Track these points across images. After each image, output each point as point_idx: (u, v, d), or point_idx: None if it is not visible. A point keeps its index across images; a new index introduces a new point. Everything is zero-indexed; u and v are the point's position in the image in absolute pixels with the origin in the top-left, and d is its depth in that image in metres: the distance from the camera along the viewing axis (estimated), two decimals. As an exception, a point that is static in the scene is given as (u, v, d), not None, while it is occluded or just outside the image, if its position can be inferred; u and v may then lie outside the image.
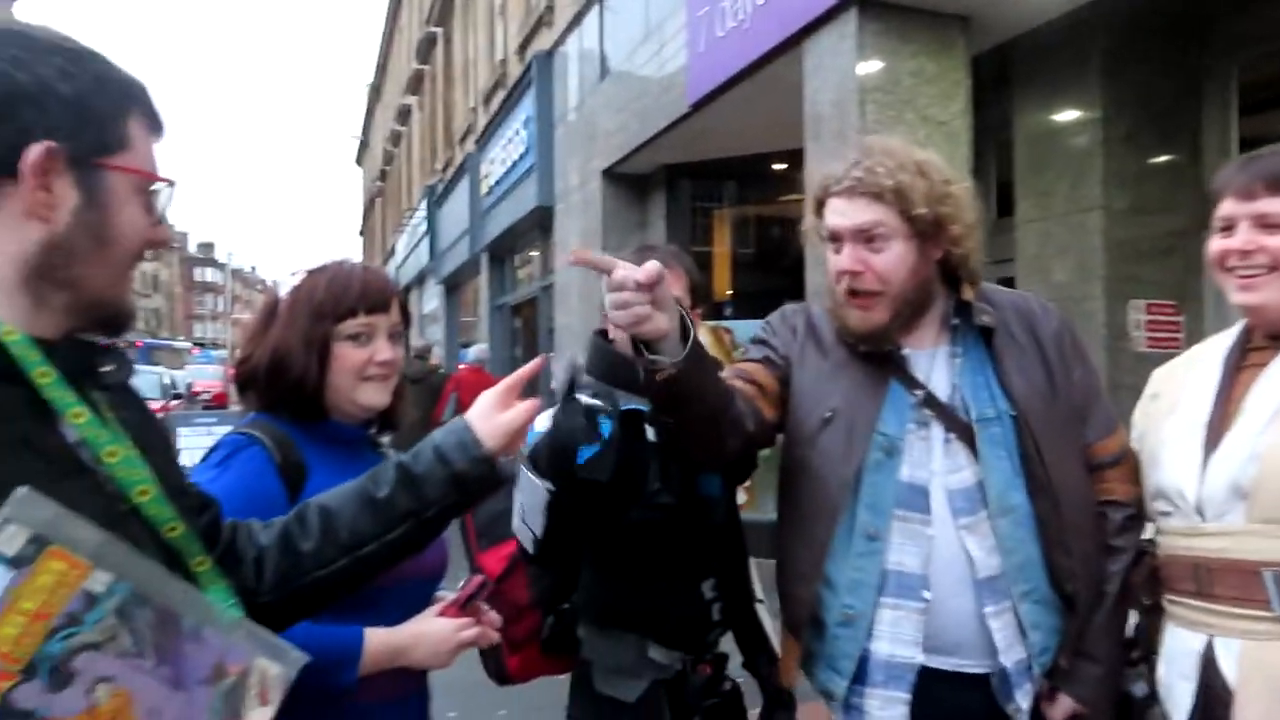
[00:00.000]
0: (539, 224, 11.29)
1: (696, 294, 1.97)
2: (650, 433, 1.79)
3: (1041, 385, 1.62)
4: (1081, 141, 4.80)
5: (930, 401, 1.60)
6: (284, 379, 1.51)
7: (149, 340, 47.33)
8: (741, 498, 2.23)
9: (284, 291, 1.61)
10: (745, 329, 7.47)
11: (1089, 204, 4.66)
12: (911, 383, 1.62)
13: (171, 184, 0.98)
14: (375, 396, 1.56)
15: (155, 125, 0.96)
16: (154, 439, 1.01)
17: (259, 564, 1.11)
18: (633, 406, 1.80)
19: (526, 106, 10.98)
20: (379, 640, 1.44)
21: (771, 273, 8.24)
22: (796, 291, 6.68)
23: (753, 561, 2.15)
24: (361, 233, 46.17)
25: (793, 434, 1.69)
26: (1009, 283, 5.34)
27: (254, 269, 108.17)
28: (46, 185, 0.87)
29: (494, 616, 1.57)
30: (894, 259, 1.57)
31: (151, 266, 75.54)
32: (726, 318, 7.82)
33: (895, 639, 1.57)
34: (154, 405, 14.85)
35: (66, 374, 0.88)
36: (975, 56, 4.84)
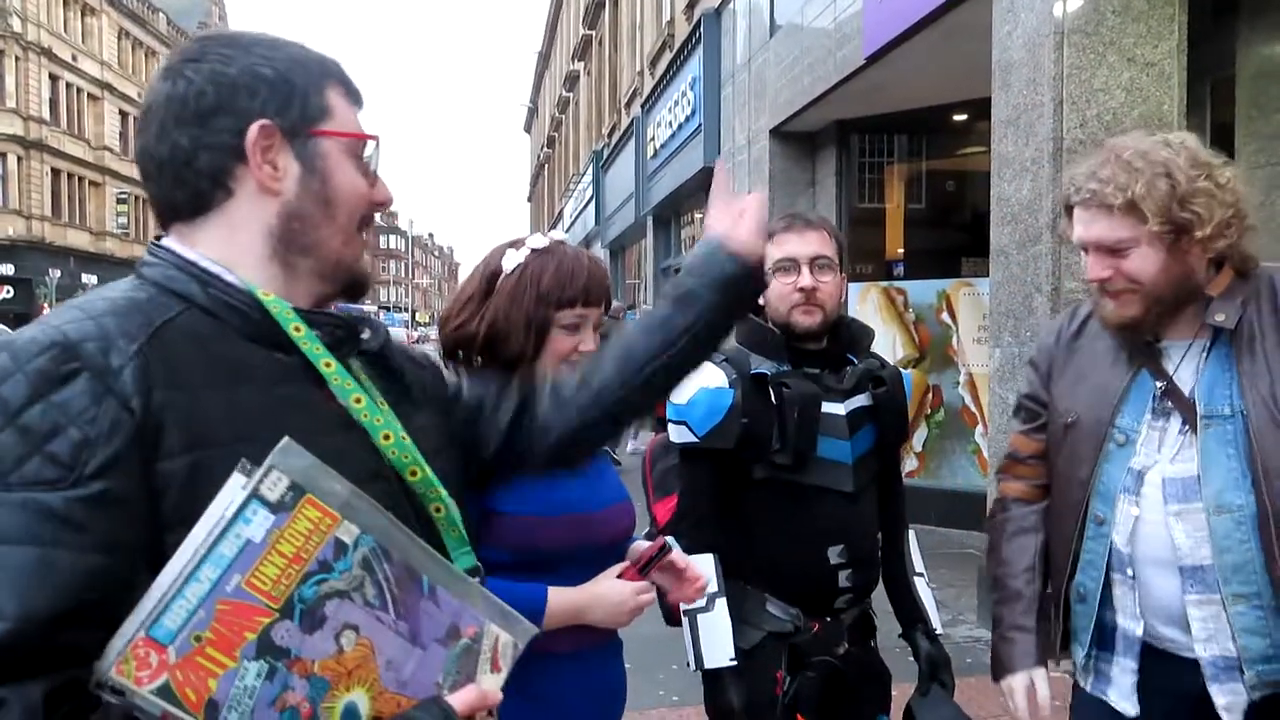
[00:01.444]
0: (705, 185, 11.13)
1: (842, 258, 2.07)
2: (772, 395, 1.96)
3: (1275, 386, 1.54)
4: (1318, 77, 4.28)
5: (1171, 393, 1.62)
6: (499, 351, 1.58)
7: (342, 305, 50.63)
8: (912, 464, 2.27)
9: (508, 264, 1.62)
10: (919, 290, 7.19)
11: (1325, 148, 4.15)
12: (1159, 373, 1.64)
13: (376, 140, 1.04)
14: None
15: (353, 95, 1.04)
16: (409, 392, 1.10)
17: (530, 432, 1.21)
18: (761, 370, 1.98)
19: (693, 67, 10.86)
20: (560, 599, 1.52)
21: (948, 230, 7.85)
22: (976, 249, 6.34)
23: (914, 533, 2.20)
24: (530, 199, 47.41)
25: (1049, 435, 1.79)
26: (1225, 238, 4.85)
27: (431, 236, 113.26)
28: (271, 161, 0.96)
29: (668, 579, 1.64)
30: (1139, 262, 1.58)
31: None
32: (898, 277, 7.53)
33: (1121, 611, 1.66)
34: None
35: (329, 345, 0.97)
36: (1192, -13, 4.38)
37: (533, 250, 1.63)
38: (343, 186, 1.00)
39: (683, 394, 1.96)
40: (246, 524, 0.74)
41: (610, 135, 18.79)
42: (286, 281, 0.98)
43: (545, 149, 35.83)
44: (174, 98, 0.95)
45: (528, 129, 46.45)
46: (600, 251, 20.70)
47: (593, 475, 1.67)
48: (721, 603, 1.92)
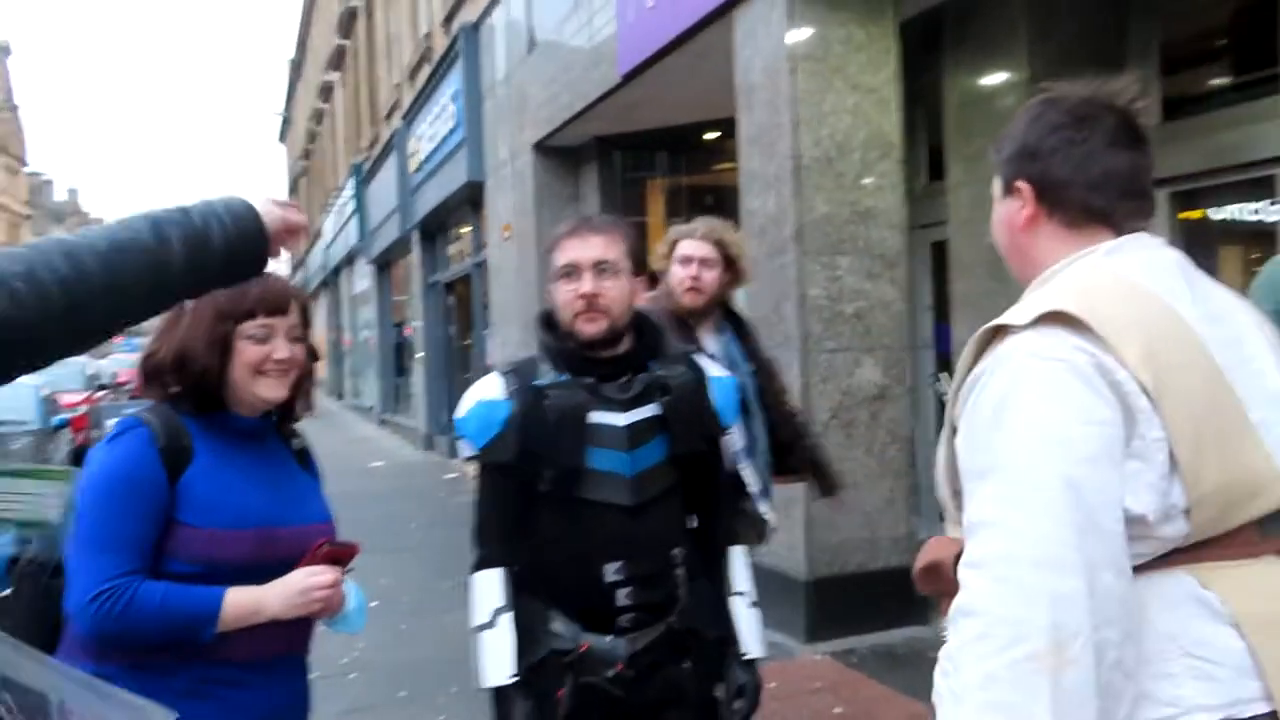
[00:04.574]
0: (470, 199, 11.11)
1: (639, 261, 1.99)
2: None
3: None
4: (1010, 104, 4.87)
5: None
6: (187, 372, 1.66)
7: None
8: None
9: None
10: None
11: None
12: None
13: None
14: (272, 390, 1.69)
15: None
16: None
17: None
18: (540, 382, 1.93)
19: (454, 80, 10.76)
20: (236, 596, 1.58)
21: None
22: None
23: (741, 551, 2.11)
24: (287, 213, 44.91)
25: None
26: (942, 246, 5.42)
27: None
28: None
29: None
30: None
31: (66, 254, 72.72)
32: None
33: None
34: (79, 397, 14.28)
35: None
36: (904, 23, 4.86)
37: None
38: None
39: (461, 407, 1.97)
40: None
41: (371, 148, 18.23)
42: None
43: (302, 161, 34.20)
44: None
45: (283, 139, 44.14)
46: (365, 267, 19.99)
47: (291, 492, 1.75)
48: (505, 619, 1.91)
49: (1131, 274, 1.23)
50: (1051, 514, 1.11)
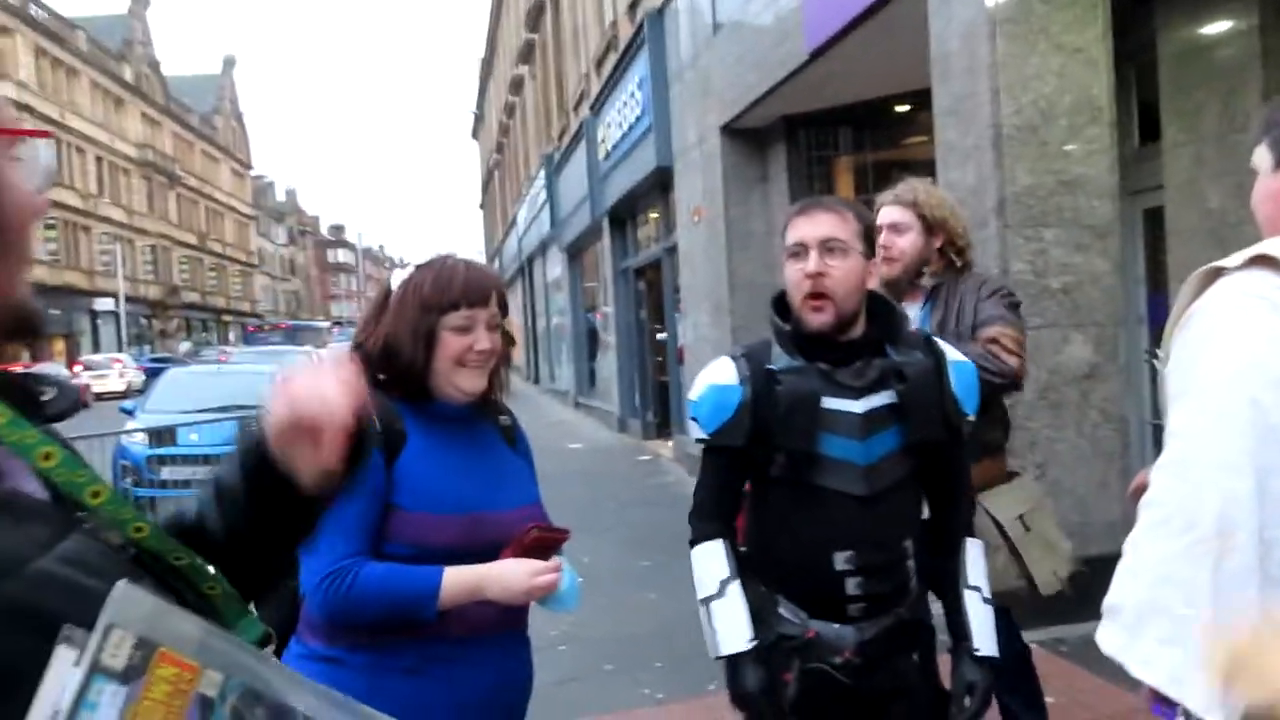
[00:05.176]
0: (659, 184, 11.29)
1: (872, 244, 1.93)
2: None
3: None
4: (1234, 56, 4.48)
5: None
6: (395, 363, 1.69)
7: (293, 322, 49.95)
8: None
9: (395, 283, 1.76)
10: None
11: (1245, 122, 4.35)
12: None
13: (48, 136, 0.82)
14: (471, 382, 1.71)
15: None
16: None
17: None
18: (772, 366, 1.89)
19: (640, 67, 10.94)
20: (456, 576, 1.62)
21: (898, 218, 8.02)
22: (927, 237, 6.51)
23: (976, 545, 2.02)
24: (482, 206, 47.17)
25: None
26: (1157, 213, 5.06)
27: (382, 248, 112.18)
28: None
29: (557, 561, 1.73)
30: None
31: (288, 251, 79.31)
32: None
33: None
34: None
35: (18, 409, 0.72)
36: (1113, -25, 4.56)
37: (416, 267, 1.77)
38: (13, 205, 0.75)
39: (694, 390, 1.99)
40: (93, 711, 0.57)
41: (560, 138, 18.80)
42: None
43: (495, 155, 35.69)
44: None
45: (475, 135, 46.21)
46: (557, 255, 20.68)
47: (500, 476, 1.79)
48: (734, 588, 1.91)
49: None
50: (1234, 425, 1.26)
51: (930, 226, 2.69)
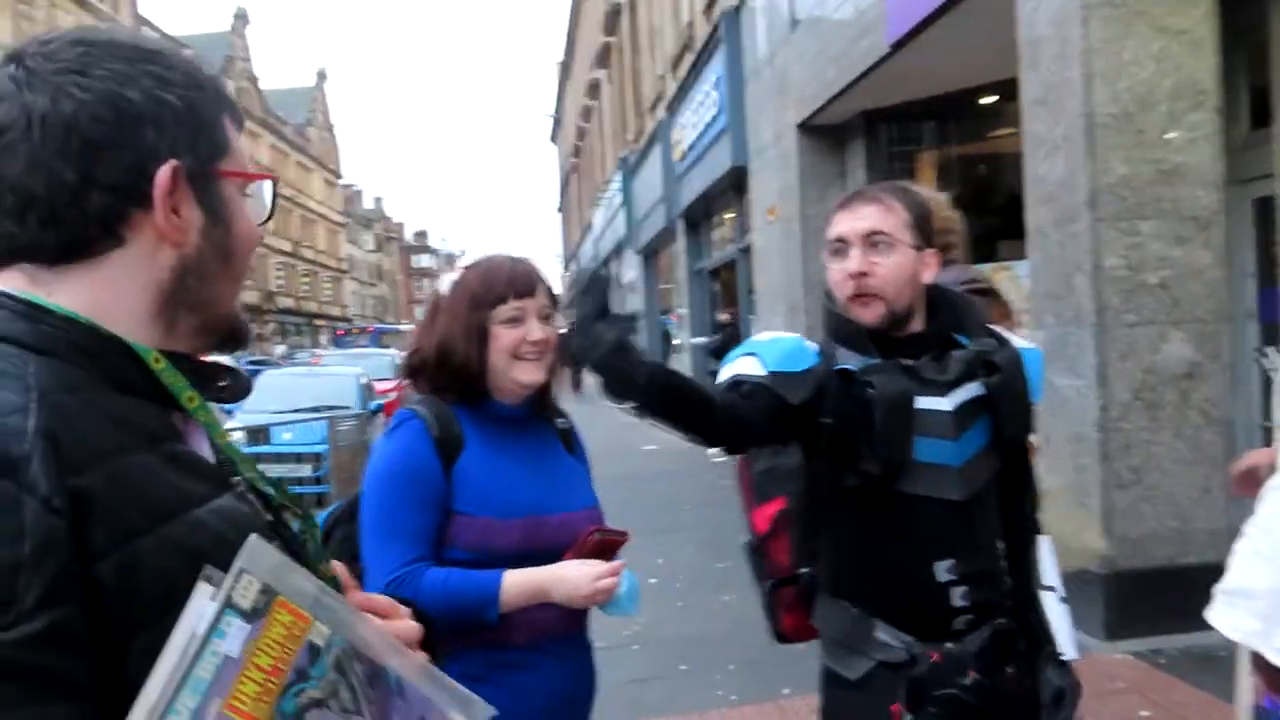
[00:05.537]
0: (734, 185, 11.20)
1: (926, 232, 1.77)
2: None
3: None
4: (1355, 35, 4.20)
5: None
6: (450, 364, 1.70)
7: (378, 325, 51.27)
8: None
9: (445, 287, 1.79)
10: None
11: (1366, 106, 4.07)
12: None
13: (275, 180, 0.94)
14: (529, 374, 1.71)
15: (238, 118, 0.91)
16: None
17: None
18: (846, 366, 1.72)
19: (716, 67, 10.88)
20: (517, 578, 1.62)
21: (982, 214, 7.77)
22: (1011, 231, 6.28)
23: (1047, 541, 1.89)
24: (560, 209, 47.63)
25: None
26: (1268, 203, 4.79)
27: (464, 252, 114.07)
28: (176, 207, 0.82)
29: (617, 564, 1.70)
30: None
31: (375, 257, 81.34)
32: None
33: None
34: (390, 384, 16.02)
35: (195, 388, 0.83)
36: (1219, -49, 4.32)
37: (464, 268, 1.80)
38: (242, 236, 0.88)
39: (763, 335, 1.84)
40: (221, 639, 0.66)
41: (636, 140, 18.84)
42: (163, 341, 0.83)
43: (572, 158, 36.00)
44: (55, 120, 0.77)
45: (554, 139, 46.71)
46: (633, 257, 20.72)
47: (558, 479, 1.77)
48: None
49: None
50: None
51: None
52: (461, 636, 1.61)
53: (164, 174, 0.80)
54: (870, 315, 1.71)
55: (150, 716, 0.64)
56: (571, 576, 1.62)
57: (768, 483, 1.94)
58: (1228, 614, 1.36)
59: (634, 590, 1.75)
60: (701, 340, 13.11)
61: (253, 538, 0.69)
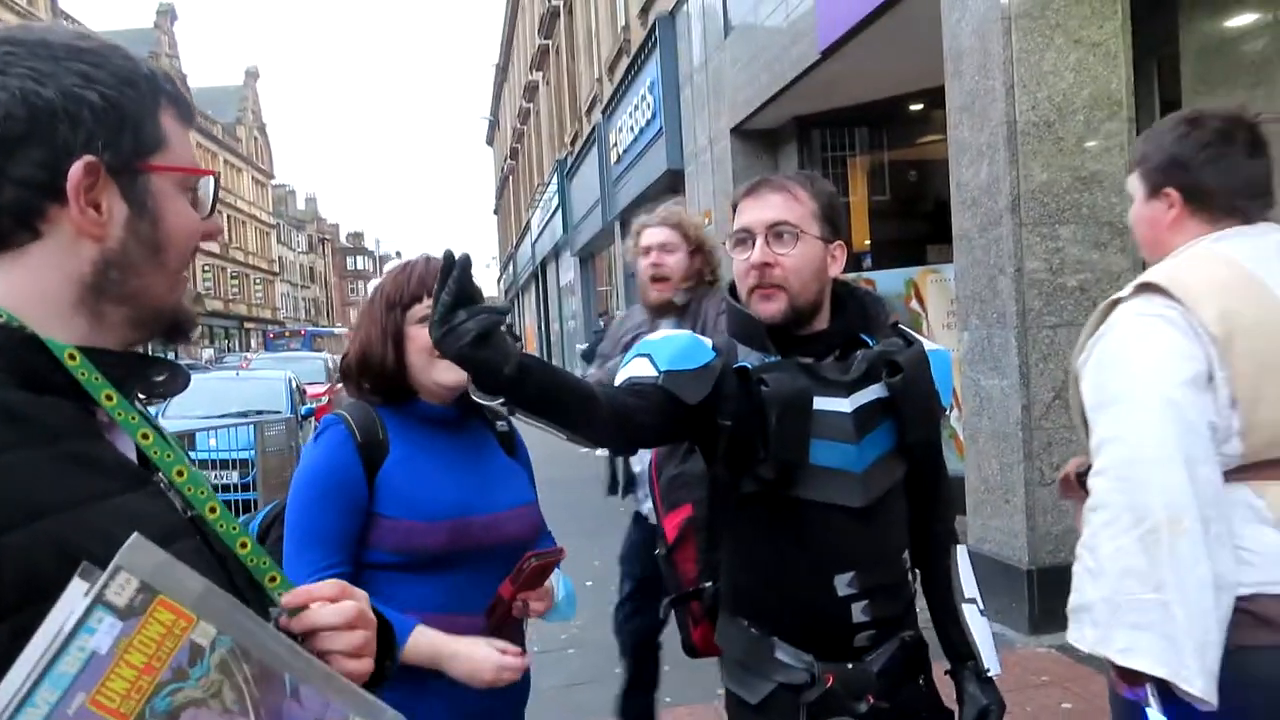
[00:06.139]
0: (670, 188, 11.24)
1: (835, 224, 1.69)
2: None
3: None
4: (1261, 49, 4.38)
5: None
6: (370, 367, 1.71)
7: (310, 329, 50.32)
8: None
9: (369, 291, 1.82)
10: (887, 280, 7.26)
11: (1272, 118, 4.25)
12: None
13: (215, 176, 0.94)
14: (448, 375, 1.67)
15: (186, 114, 0.91)
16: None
17: None
18: (744, 364, 1.63)
19: (651, 70, 10.91)
20: (423, 640, 1.59)
21: (912, 219, 7.94)
22: (940, 236, 6.43)
23: (964, 550, 1.83)
24: (496, 211, 47.31)
25: None
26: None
27: (399, 253, 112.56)
28: (94, 202, 0.82)
29: (537, 606, 1.71)
30: None
31: (308, 259, 79.82)
32: (865, 269, 7.61)
33: None
34: (322, 388, 15.68)
35: (117, 384, 0.83)
36: (1131, -33, 4.48)
37: (385, 271, 1.81)
38: (175, 229, 0.87)
39: (655, 335, 1.74)
40: (90, 634, 0.66)
41: (573, 143, 18.81)
42: (91, 332, 0.83)
43: (509, 160, 35.79)
44: None
45: (490, 142, 46.37)
46: (570, 259, 20.68)
47: (489, 479, 1.76)
48: None
49: (1232, 253, 1.57)
50: (1157, 425, 1.46)
51: (694, 246, 2.80)
52: None
53: (76, 169, 0.80)
54: (772, 309, 1.62)
55: (5, 708, 0.63)
56: (478, 657, 1.60)
57: (675, 489, 1.87)
58: (1074, 630, 1.54)
59: (570, 596, 1.75)
60: (581, 347, 13.18)
61: (135, 536, 0.69)
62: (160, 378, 0.90)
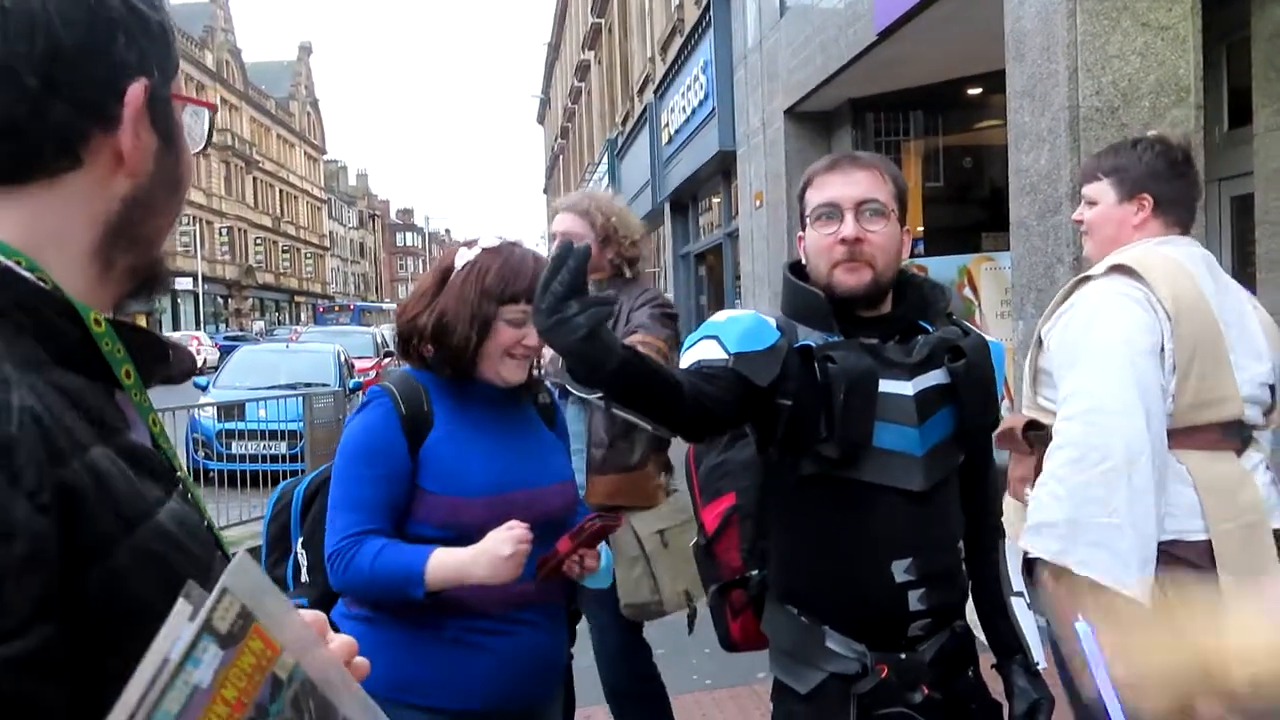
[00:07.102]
0: (721, 169, 11.19)
1: (905, 208, 1.70)
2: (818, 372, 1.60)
3: None
4: (1336, 35, 4.24)
5: None
6: (445, 343, 1.69)
7: (359, 303, 51.01)
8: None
9: (459, 262, 1.74)
10: (939, 267, 7.15)
11: (1346, 106, 4.11)
12: None
13: (214, 109, 0.86)
14: (513, 373, 1.72)
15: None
16: None
17: None
18: (806, 343, 1.62)
19: (704, 51, 10.84)
20: (441, 560, 1.60)
21: (967, 205, 7.81)
22: (995, 223, 6.32)
23: (1010, 545, 1.82)
24: (545, 190, 47.44)
25: None
26: (1246, 200, 4.84)
27: (448, 231, 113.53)
28: (139, 131, 0.72)
29: (590, 564, 1.72)
30: None
31: (358, 234, 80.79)
32: (918, 255, 7.51)
33: None
34: (370, 362, 15.86)
35: (135, 360, 0.72)
36: (1204, -52, 4.35)
37: (483, 249, 1.74)
38: (188, 165, 0.80)
39: (719, 316, 1.72)
40: (196, 667, 0.58)
41: (624, 123, 18.77)
42: (97, 282, 0.73)
43: (559, 140, 35.83)
44: (20, 11, 0.66)
45: (541, 120, 46.44)
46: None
47: (530, 454, 1.78)
48: None
49: (1172, 254, 1.96)
50: (1121, 382, 1.79)
51: (602, 236, 2.65)
52: (391, 606, 1.64)
53: (136, 91, 0.71)
54: (857, 281, 1.61)
55: None
56: (489, 549, 1.60)
57: (717, 478, 1.86)
58: (1035, 540, 1.82)
59: (609, 565, 1.81)
60: None
61: (241, 554, 0.61)
62: (161, 360, 0.77)
